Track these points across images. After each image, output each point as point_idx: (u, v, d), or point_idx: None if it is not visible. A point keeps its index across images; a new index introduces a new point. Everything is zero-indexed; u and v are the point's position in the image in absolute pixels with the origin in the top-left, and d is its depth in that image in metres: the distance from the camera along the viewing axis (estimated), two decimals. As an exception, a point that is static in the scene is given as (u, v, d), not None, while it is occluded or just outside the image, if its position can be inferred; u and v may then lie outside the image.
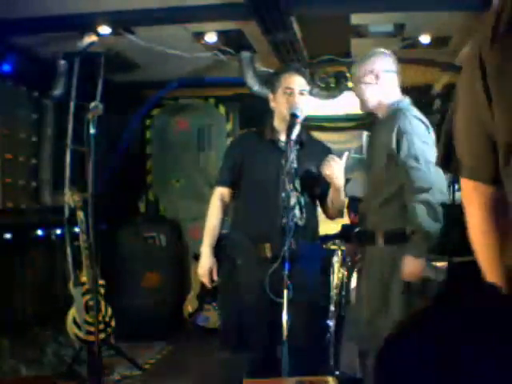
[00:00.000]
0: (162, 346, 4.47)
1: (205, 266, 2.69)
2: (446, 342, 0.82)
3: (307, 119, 2.75)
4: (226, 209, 2.76)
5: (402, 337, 0.92)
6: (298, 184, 2.54)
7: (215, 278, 2.70)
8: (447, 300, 0.91)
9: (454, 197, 3.19)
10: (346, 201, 2.71)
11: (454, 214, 3.26)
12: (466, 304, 0.87)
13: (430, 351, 0.82)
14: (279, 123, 2.62)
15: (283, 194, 2.33)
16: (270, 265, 2.33)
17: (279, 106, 2.59)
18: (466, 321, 0.83)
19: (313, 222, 2.64)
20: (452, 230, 3.26)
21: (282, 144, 2.58)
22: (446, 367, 0.79)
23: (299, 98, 2.54)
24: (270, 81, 2.74)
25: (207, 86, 5.57)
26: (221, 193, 2.75)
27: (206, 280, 2.69)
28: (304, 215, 2.54)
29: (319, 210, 2.78)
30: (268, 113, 2.73)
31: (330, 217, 2.73)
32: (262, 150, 2.63)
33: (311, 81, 2.62)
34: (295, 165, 2.53)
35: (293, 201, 2.51)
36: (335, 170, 2.45)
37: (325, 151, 2.69)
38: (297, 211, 2.53)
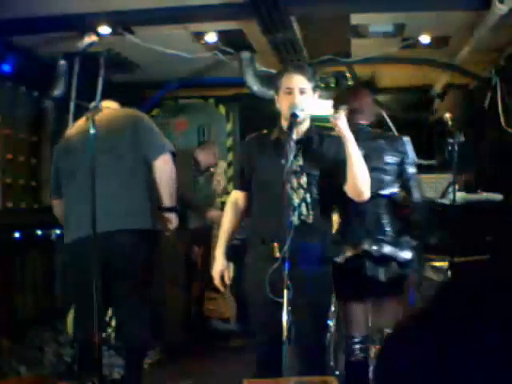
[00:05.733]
0: (162, 346, 4.46)
1: (217, 268, 2.69)
2: (447, 341, 0.82)
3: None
4: (240, 212, 2.75)
5: (402, 336, 0.92)
6: (304, 182, 2.54)
7: (227, 281, 2.70)
8: (448, 299, 0.91)
9: (454, 197, 3.19)
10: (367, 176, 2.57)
11: (453, 214, 3.27)
12: (467, 303, 0.87)
13: (431, 350, 0.82)
14: (284, 123, 2.63)
15: (283, 194, 2.34)
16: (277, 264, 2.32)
17: (282, 106, 2.60)
18: (467, 320, 0.83)
19: (323, 220, 2.61)
20: (452, 230, 3.26)
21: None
22: (447, 366, 0.79)
23: (299, 97, 2.54)
24: (274, 82, 2.73)
25: (207, 86, 5.58)
26: (234, 196, 2.76)
27: (218, 283, 2.70)
28: (311, 213, 2.54)
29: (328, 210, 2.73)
30: (267, 113, 2.73)
31: (358, 196, 2.53)
32: (268, 150, 2.64)
33: (312, 77, 2.59)
34: (301, 162, 2.54)
35: (298, 199, 2.52)
36: (341, 122, 2.41)
37: (334, 145, 2.66)
38: (303, 209, 2.52)
